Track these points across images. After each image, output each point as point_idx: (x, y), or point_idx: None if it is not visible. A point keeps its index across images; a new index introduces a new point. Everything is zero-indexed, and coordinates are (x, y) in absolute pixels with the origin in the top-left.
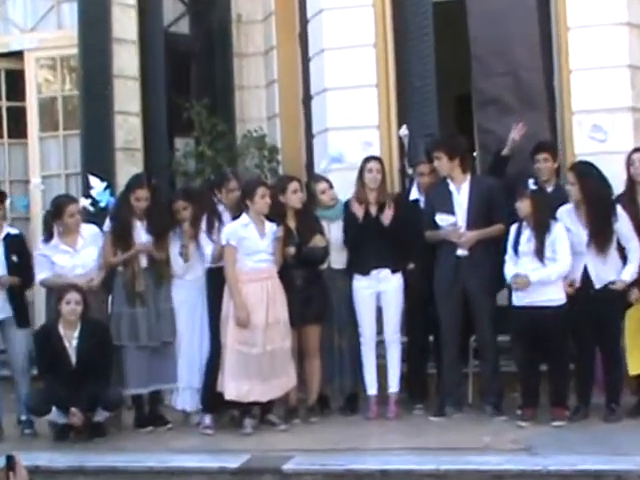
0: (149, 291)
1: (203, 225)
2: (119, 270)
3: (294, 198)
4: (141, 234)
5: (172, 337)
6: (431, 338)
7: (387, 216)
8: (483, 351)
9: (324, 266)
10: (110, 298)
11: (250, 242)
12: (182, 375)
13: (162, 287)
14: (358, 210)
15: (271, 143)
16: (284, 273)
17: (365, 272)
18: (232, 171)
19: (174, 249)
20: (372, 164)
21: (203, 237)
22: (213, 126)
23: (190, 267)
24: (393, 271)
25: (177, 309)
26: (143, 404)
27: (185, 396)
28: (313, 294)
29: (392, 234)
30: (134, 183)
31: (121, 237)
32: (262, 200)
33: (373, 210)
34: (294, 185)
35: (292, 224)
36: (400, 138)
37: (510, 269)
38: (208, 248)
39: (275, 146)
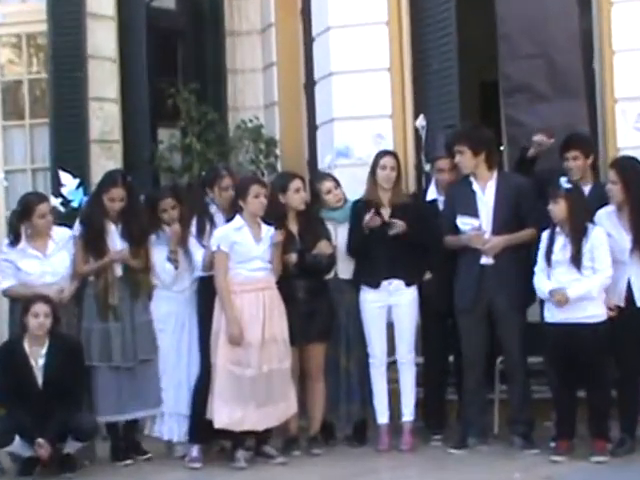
0: (124, 304)
1: (193, 228)
2: (90, 280)
3: (296, 198)
4: (115, 239)
5: (151, 355)
6: (451, 359)
7: (398, 225)
8: (511, 374)
9: (330, 276)
10: (80, 311)
11: (244, 248)
12: (168, 399)
13: (139, 299)
14: (373, 220)
15: (268, 135)
16: (284, 284)
17: (374, 284)
18: (225, 167)
19: (159, 255)
20: (386, 160)
21: (193, 242)
22: (202, 115)
23: (178, 275)
24: (407, 283)
25: (162, 323)
26: (119, 434)
27: (171, 424)
28: (317, 308)
29: (406, 240)
30: (107, 181)
31: (93, 243)
32: (256, 200)
33: (386, 213)
34: (296, 183)
35: (294, 228)
36: (416, 129)
37: (542, 281)
38: (198, 254)
39: (273, 138)
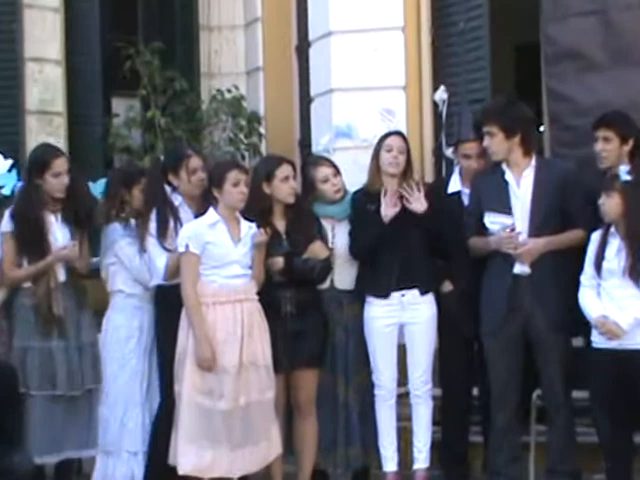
0: (69, 317)
1: (151, 225)
2: (25, 287)
3: (284, 188)
4: (58, 234)
5: (96, 382)
6: (476, 391)
7: (388, 209)
8: (551, 412)
9: (325, 285)
10: (10, 327)
11: (219, 249)
12: (125, 436)
13: (85, 311)
14: (390, 209)
15: (251, 109)
16: (267, 295)
17: (383, 294)
18: (194, 147)
19: (130, 250)
20: (392, 140)
21: (152, 242)
22: (168, 82)
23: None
24: (423, 293)
25: (122, 341)
26: (45, 477)
27: (131, 465)
28: (308, 325)
29: (421, 241)
30: (45, 154)
31: (29, 240)
32: (235, 189)
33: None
34: (284, 169)
35: (280, 225)
36: (435, 104)
37: (588, 298)
38: (160, 259)
39: (256, 113)
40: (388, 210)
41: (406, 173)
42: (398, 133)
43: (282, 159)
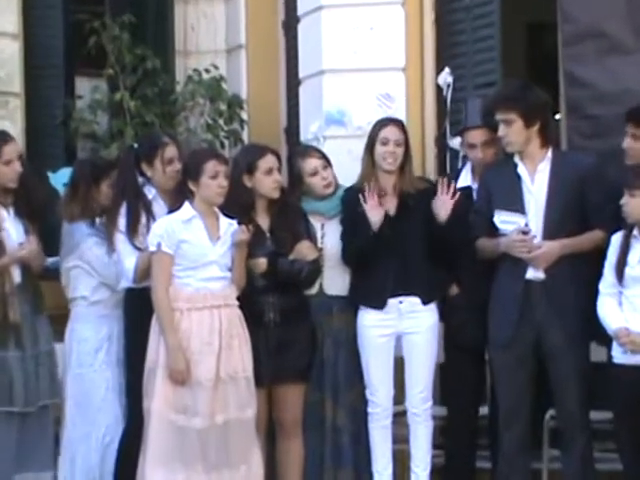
0: (26, 323)
1: (121, 220)
2: None
3: (268, 181)
4: (12, 231)
5: (52, 398)
6: (483, 411)
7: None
8: (567, 435)
9: (313, 290)
10: None
11: (195, 249)
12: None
13: (41, 317)
14: (374, 212)
15: (232, 91)
16: (248, 300)
17: (379, 302)
18: (169, 134)
19: (98, 250)
20: (389, 131)
21: (121, 239)
22: (139, 61)
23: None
24: (425, 301)
25: (90, 354)
26: None
27: None
28: (293, 335)
29: (423, 241)
30: None
31: None
32: (213, 182)
33: (391, 205)
34: (268, 160)
35: (264, 222)
36: (439, 89)
37: (607, 308)
38: (129, 259)
39: (238, 96)
40: (372, 214)
41: (404, 168)
42: (396, 122)
43: (266, 148)
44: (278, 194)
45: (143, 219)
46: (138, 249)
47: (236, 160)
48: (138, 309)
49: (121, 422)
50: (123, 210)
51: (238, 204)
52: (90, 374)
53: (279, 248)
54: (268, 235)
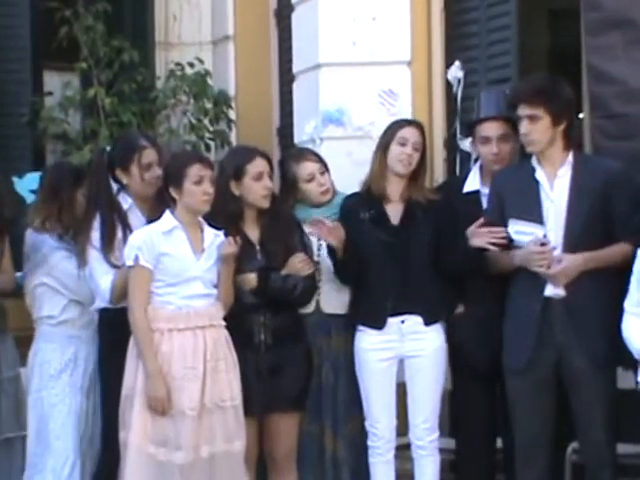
0: None
1: (94, 234)
2: None
3: (257, 188)
4: None
5: (17, 430)
6: (499, 444)
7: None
8: (592, 471)
9: (309, 309)
10: None
11: (177, 263)
12: None
13: (6, 337)
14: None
15: (218, 87)
16: (237, 320)
17: (378, 322)
18: (147, 135)
19: (67, 263)
20: (407, 133)
21: (95, 257)
22: (115, 53)
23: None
24: (428, 322)
25: (53, 377)
26: None
27: None
28: (287, 359)
29: (426, 255)
30: None
31: None
32: (198, 188)
33: (396, 213)
34: (258, 165)
35: (253, 234)
36: (449, 85)
37: (635, 329)
38: (105, 278)
39: (225, 93)
40: (331, 239)
41: (417, 175)
42: (416, 124)
43: (255, 151)
44: (268, 202)
45: (119, 233)
46: (114, 266)
47: (222, 164)
48: (114, 331)
49: (78, 453)
50: (96, 223)
51: (224, 213)
52: (51, 398)
53: (270, 262)
54: (258, 248)
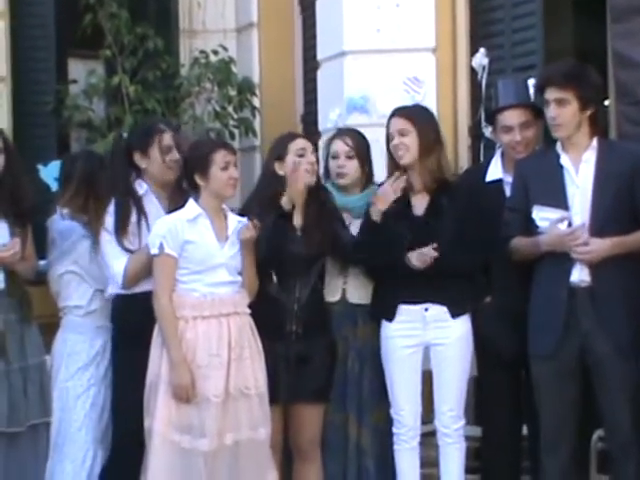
0: (12, 332)
1: (108, 219)
2: None
3: (302, 168)
4: None
5: (43, 416)
6: (524, 431)
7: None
8: (618, 458)
9: (335, 298)
10: None
11: (201, 250)
12: None
13: (30, 325)
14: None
15: (242, 75)
16: (262, 308)
17: (388, 314)
18: (165, 121)
19: (92, 251)
20: (392, 123)
21: (107, 240)
22: (139, 41)
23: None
24: (454, 313)
25: (80, 369)
26: None
27: None
28: (312, 348)
29: (450, 244)
30: None
31: None
32: (225, 173)
33: (421, 204)
34: (300, 143)
35: (297, 217)
36: (474, 72)
37: None
38: (118, 261)
39: (249, 80)
40: (377, 199)
41: (423, 160)
42: (401, 111)
43: (294, 134)
44: (314, 182)
45: (133, 217)
46: (128, 251)
47: (273, 147)
48: (128, 318)
49: (99, 445)
50: (111, 207)
51: (268, 195)
52: (77, 389)
53: (310, 249)
54: (299, 234)
